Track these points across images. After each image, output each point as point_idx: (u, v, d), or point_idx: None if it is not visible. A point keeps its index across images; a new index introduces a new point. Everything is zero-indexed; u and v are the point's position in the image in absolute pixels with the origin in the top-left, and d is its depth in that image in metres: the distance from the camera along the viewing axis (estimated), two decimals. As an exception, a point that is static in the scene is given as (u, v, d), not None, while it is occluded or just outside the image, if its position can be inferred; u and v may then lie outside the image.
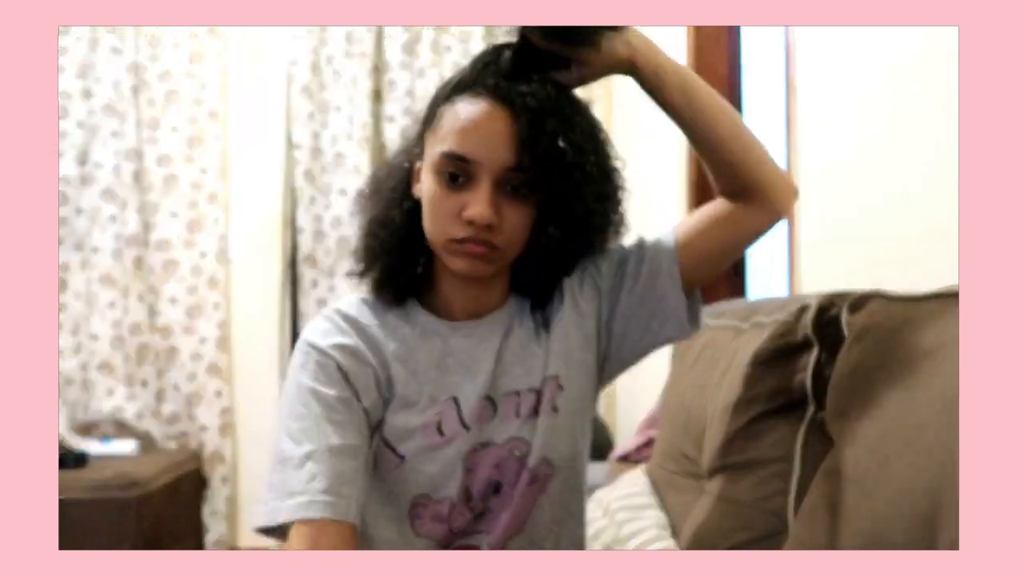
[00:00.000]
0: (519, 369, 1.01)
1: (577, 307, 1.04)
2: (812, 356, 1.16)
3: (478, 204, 0.89)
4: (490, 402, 1.00)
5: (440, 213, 0.92)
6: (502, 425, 1.00)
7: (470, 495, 0.99)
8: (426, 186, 0.94)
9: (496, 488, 1.01)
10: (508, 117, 0.89)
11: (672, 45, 2.52)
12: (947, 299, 0.91)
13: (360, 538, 0.92)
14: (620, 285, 1.04)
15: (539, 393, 1.00)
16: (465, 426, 0.99)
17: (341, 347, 0.95)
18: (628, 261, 1.04)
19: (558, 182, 0.90)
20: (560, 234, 0.94)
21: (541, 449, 1.00)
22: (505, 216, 0.91)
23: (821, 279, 1.70)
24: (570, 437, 1.03)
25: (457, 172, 0.90)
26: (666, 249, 1.02)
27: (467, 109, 0.90)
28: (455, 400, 0.99)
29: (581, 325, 1.04)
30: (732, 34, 2.50)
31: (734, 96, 2.50)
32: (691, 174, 2.46)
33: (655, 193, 2.59)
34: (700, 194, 2.47)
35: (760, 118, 2.42)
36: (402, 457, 0.97)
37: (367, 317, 1.00)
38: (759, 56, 2.43)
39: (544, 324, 1.03)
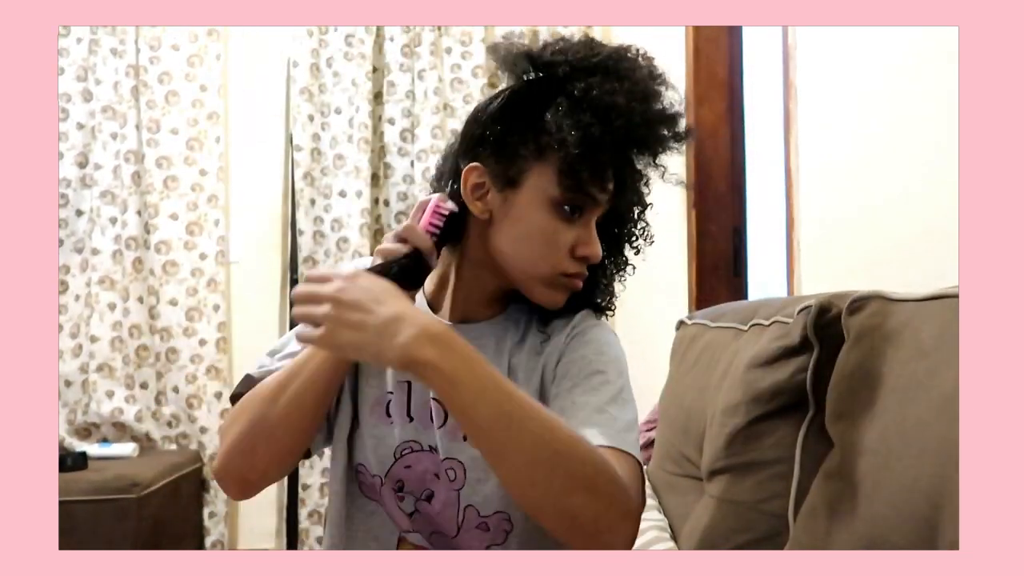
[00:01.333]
0: None
1: (543, 370, 1.00)
2: (812, 357, 1.16)
3: (595, 244, 0.95)
4: (441, 407, 0.99)
5: (554, 246, 0.94)
6: (447, 440, 0.99)
7: (403, 486, 1.00)
8: (530, 216, 0.94)
9: (429, 496, 0.99)
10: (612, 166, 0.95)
11: (672, 46, 2.52)
12: (947, 299, 0.91)
13: (329, 496, 1.06)
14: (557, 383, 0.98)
15: None
16: (410, 416, 1.00)
17: None
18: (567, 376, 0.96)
19: (628, 223, 1.01)
20: (605, 269, 1.02)
21: (494, 495, 0.97)
22: None
23: (821, 280, 1.70)
24: None
25: (581, 207, 0.94)
26: None
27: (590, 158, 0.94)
28: (408, 385, 1.01)
29: (536, 390, 1.00)
30: (732, 36, 2.50)
31: (734, 98, 2.50)
32: (691, 177, 2.46)
33: (655, 197, 2.58)
34: (701, 198, 2.47)
35: (760, 119, 2.42)
36: (358, 423, 1.02)
37: None
38: (759, 57, 2.43)
39: (519, 360, 1.00)
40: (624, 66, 0.93)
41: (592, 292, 1.03)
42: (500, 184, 0.95)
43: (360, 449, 1.02)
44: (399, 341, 0.76)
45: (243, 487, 0.97)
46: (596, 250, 0.95)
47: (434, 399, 0.99)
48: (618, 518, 0.81)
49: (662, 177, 1.00)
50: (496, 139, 0.95)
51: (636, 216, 1.02)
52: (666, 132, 0.95)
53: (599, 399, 0.91)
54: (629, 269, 1.06)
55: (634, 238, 1.03)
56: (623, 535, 0.82)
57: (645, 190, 1.02)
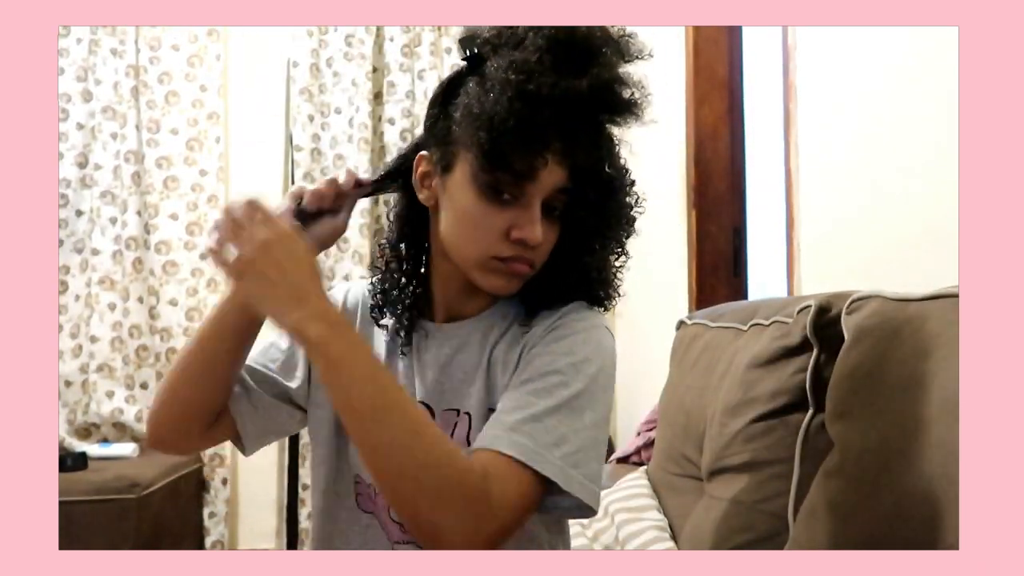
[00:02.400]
0: (465, 388, 0.97)
1: (520, 354, 0.96)
2: (811, 357, 1.16)
3: (532, 225, 0.88)
4: (428, 411, 0.98)
5: (484, 230, 0.90)
6: None
7: None
8: (460, 200, 0.91)
9: None
10: (563, 140, 0.87)
11: (672, 46, 2.52)
12: (947, 299, 0.91)
13: (316, 512, 1.05)
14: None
15: (470, 420, 0.96)
16: None
17: None
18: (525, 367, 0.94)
19: (598, 207, 0.91)
20: (580, 257, 0.95)
21: None
22: (544, 235, 0.91)
23: (821, 280, 1.70)
24: None
25: (508, 188, 0.88)
26: None
27: None
28: None
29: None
30: (732, 36, 2.50)
31: (734, 98, 2.50)
32: (691, 178, 2.46)
33: (655, 197, 2.59)
34: (700, 198, 2.47)
35: (760, 119, 2.42)
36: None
37: (359, 300, 1.09)
38: (758, 57, 2.44)
39: (501, 353, 0.97)
40: (537, 39, 0.86)
41: (586, 282, 0.97)
42: (439, 170, 0.93)
43: (356, 462, 1.01)
44: (296, 316, 0.81)
45: (161, 447, 1.05)
46: (531, 233, 0.88)
47: (421, 402, 0.98)
48: (468, 533, 0.78)
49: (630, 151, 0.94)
50: (431, 125, 0.95)
51: (604, 194, 0.92)
52: (592, 104, 0.87)
53: (541, 405, 0.86)
54: (629, 255, 0.98)
55: (613, 218, 0.94)
56: (467, 546, 0.79)
57: (615, 164, 0.93)
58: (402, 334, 1.01)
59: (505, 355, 0.96)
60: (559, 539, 1.03)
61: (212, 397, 1.01)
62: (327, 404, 1.04)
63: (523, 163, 0.86)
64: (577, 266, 0.95)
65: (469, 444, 0.95)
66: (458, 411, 0.97)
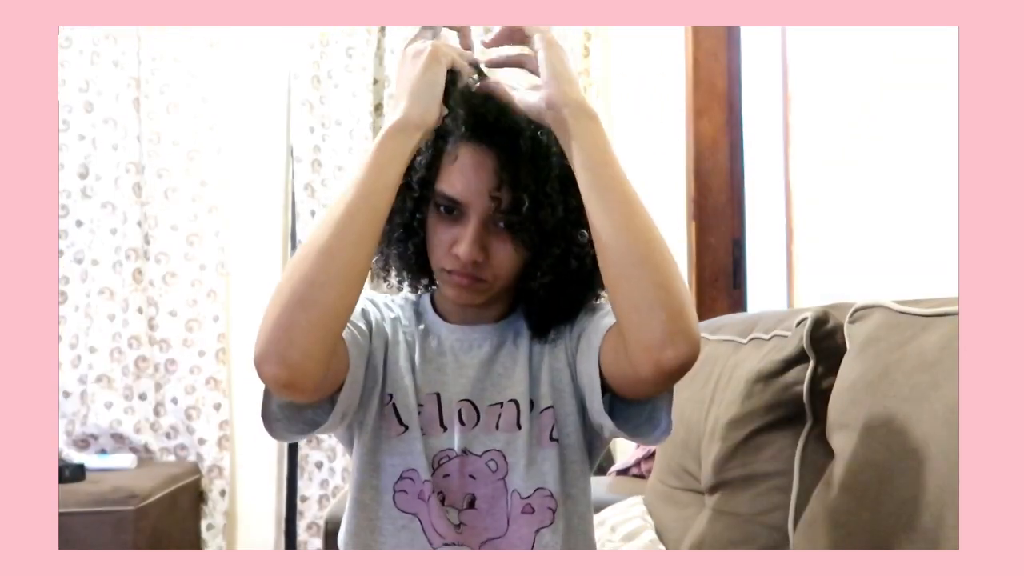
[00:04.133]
0: (506, 382, 1.02)
1: (565, 348, 1.03)
2: (808, 369, 1.16)
3: (463, 243, 0.94)
4: (473, 408, 1.01)
5: (435, 243, 0.98)
6: (482, 436, 1.01)
7: (444, 499, 0.99)
8: (431, 212, 0.98)
9: (471, 502, 1.00)
10: (494, 160, 0.93)
11: (672, 58, 2.53)
12: (949, 310, 0.91)
13: (351, 504, 1.02)
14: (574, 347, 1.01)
15: (518, 406, 1.00)
16: (443, 426, 1.01)
17: (372, 302, 1.06)
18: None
19: (538, 221, 0.94)
20: (548, 271, 0.97)
21: (529, 473, 0.98)
22: (493, 251, 0.95)
23: (820, 291, 1.71)
24: (571, 472, 1.01)
25: (451, 207, 0.95)
26: (596, 338, 0.94)
27: (456, 151, 0.94)
28: (437, 397, 1.02)
29: (564, 367, 1.02)
30: (731, 49, 2.52)
31: (733, 110, 2.51)
32: (691, 190, 2.47)
33: (654, 209, 2.59)
34: (700, 210, 2.47)
35: (759, 131, 2.43)
36: (406, 427, 1.00)
37: (390, 305, 1.09)
38: (757, 70, 2.45)
39: (539, 350, 1.03)
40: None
41: (539, 298, 1.01)
42: None
43: (412, 455, 1.00)
44: (580, 93, 0.90)
45: (283, 373, 0.83)
46: (462, 250, 0.93)
47: (465, 400, 1.00)
48: (688, 326, 0.82)
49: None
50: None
51: (527, 215, 0.93)
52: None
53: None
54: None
55: (558, 226, 0.95)
56: (686, 349, 0.81)
57: (544, 186, 0.94)
58: (430, 334, 1.05)
59: (545, 348, 1.02)
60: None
61: (359, 279, 0.87)
62: (375, 388, 1.01)
63: (461, 182, 0.94)
64: (542, 277, 0.98)
65: (520, 428, 1.00)
66: (501, 403, 1.01)
